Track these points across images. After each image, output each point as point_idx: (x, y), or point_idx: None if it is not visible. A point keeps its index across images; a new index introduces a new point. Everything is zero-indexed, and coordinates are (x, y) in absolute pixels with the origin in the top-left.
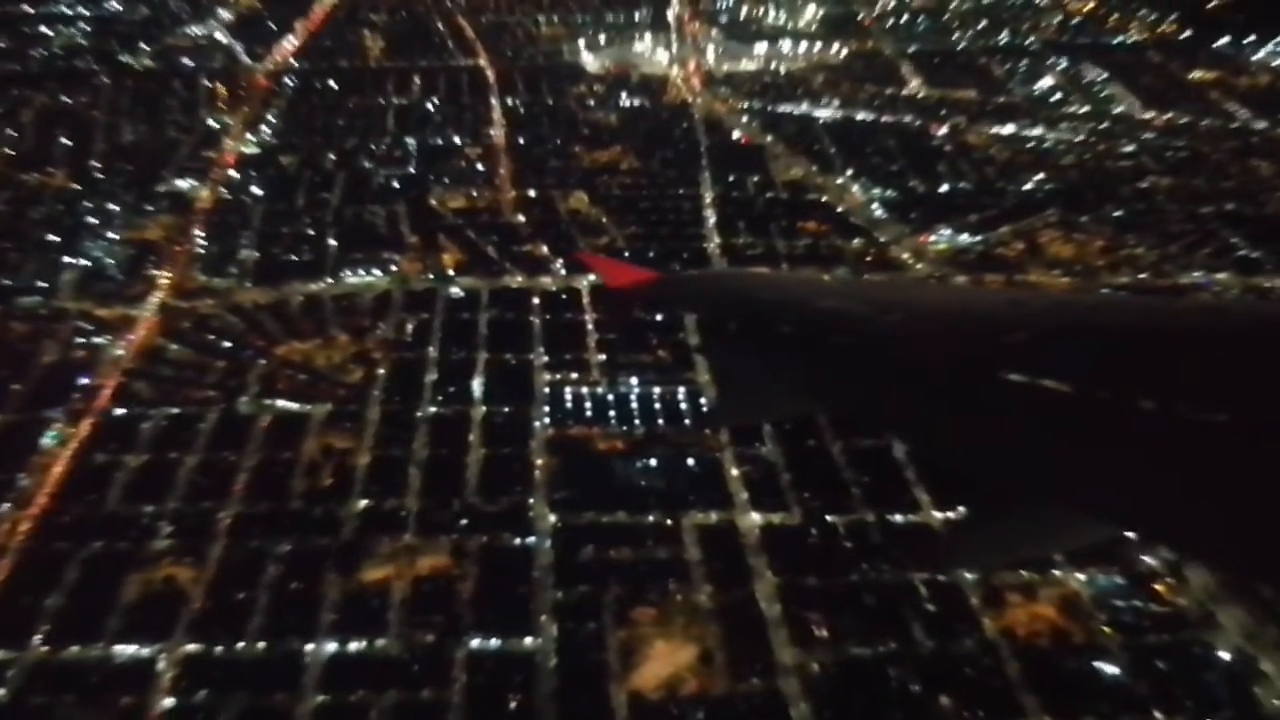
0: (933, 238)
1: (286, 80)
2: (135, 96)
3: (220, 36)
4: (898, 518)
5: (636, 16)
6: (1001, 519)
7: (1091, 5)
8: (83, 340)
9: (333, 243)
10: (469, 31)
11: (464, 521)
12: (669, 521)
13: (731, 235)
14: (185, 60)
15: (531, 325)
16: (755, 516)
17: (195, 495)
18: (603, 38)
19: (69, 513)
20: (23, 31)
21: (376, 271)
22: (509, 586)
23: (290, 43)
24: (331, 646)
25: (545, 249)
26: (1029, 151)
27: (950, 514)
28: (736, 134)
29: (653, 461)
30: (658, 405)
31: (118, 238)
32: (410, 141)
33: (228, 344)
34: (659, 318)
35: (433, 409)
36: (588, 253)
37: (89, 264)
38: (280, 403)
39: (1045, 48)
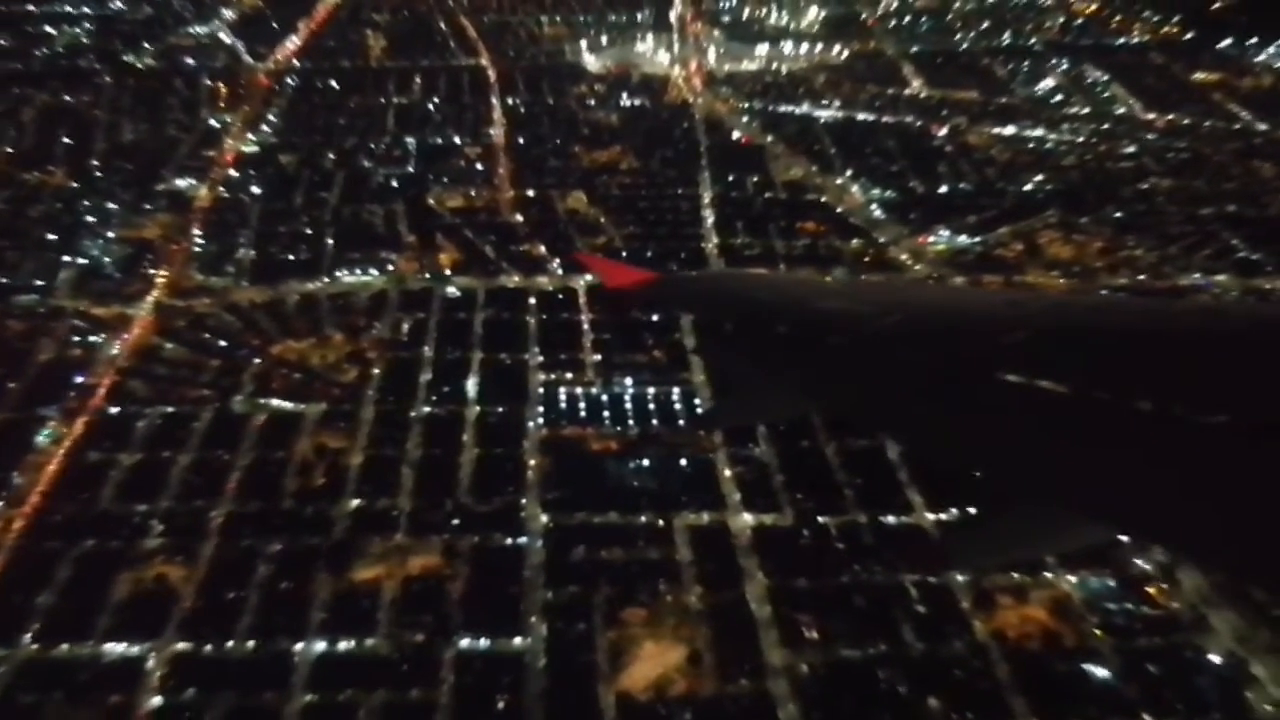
0: (931, 239)
1: (288, 79)
2: (137, 95)
3: (223, 36)
4: (890, 519)
5: (639, 17)
6: (998, 520)
7: (1095, 6)
8: (79, 339)
9: (330, 242)
10: (471, 31)
11: (456, 521)
12: (661, 522)
13: (729, 235)
14: (188, 59)
15: (527, 325)
16: (747, 517)
17: (188, 494)
18: (605, 38)
19: (61, 511)
20: (26, 30)
21: (373, 271)
22: (499, 586)
23: (293, 42)
24: (320, 646)
25: (543, 249)
26: (1030, 152)
27: (943, 516)
28: (737, 134)
29: (646, 462)
30: (652, 406)
31: (115, 236)
32: (410, 141)
33: (223, 343)
34: (655, 318)
35: (427, 409)
36: (586, 253)
37: (86, 262)
38: (275, 402)
39: (1048, 49)
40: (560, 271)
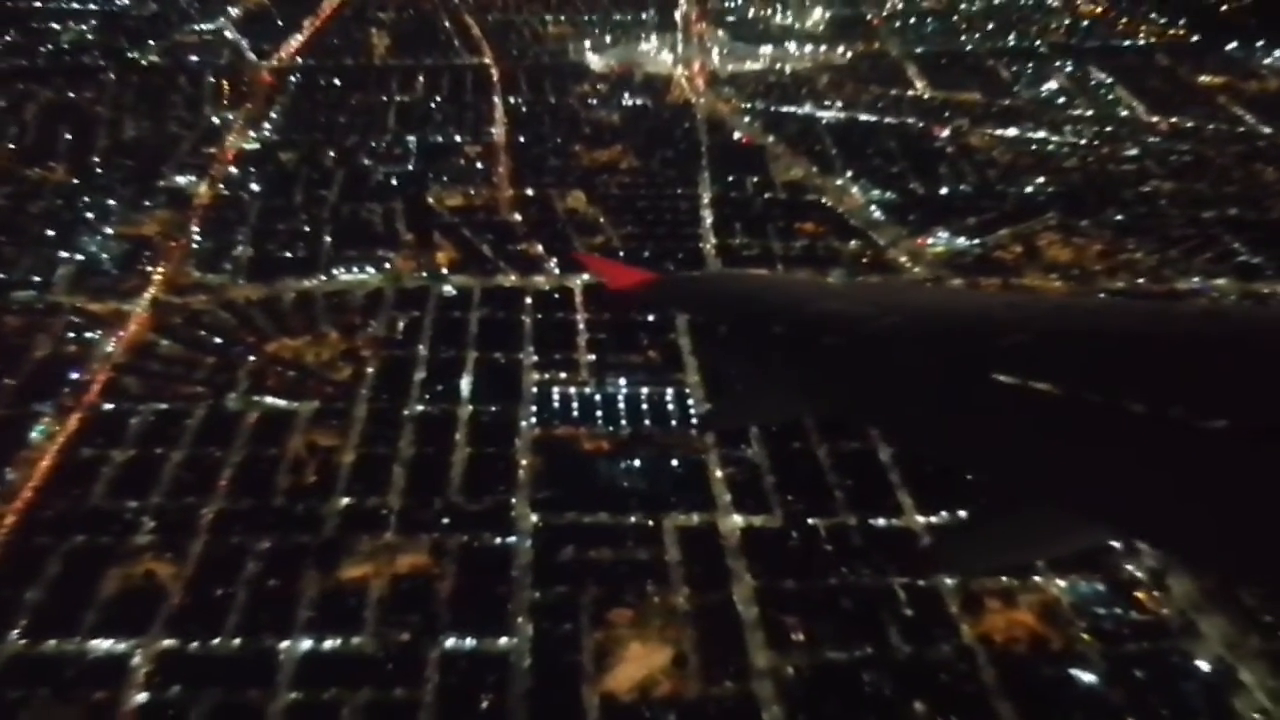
0: (930, 240)
1: (291, 77)
2: (140, 92)
3: (228, 33)
4: (880, 521)
5: (644, 16)
6: (992, 524)
7: (1101, 8)
8: (74, 335)
9: (327, 240)
10: (475, 30)
11: (445, 520)
12: (650, 523)
13: (728, 236)
14: (192, 57)
15: (523, 324)
16: (737, 518)
17: (179, 491)
18: (609, 37)
19: (52, 507)
20: (32, 26)
21: (370, 269)
22: (487, 586)
23: (297, 40)
24: (306, 644)
25: (540, 248)
26: (1031, 154)
27: (934, 518)
28: (738, 134)
29: (637, 462)
30: (645, 406)
31: (114, 233)
32: (410, 139)
33: (218, 340)
34: (650, 318)
35: (420, 407)
36: (585, 253)
37: (84, 259)
38: (268, 399)
39: (1053, 50)
40: (557, 271)
